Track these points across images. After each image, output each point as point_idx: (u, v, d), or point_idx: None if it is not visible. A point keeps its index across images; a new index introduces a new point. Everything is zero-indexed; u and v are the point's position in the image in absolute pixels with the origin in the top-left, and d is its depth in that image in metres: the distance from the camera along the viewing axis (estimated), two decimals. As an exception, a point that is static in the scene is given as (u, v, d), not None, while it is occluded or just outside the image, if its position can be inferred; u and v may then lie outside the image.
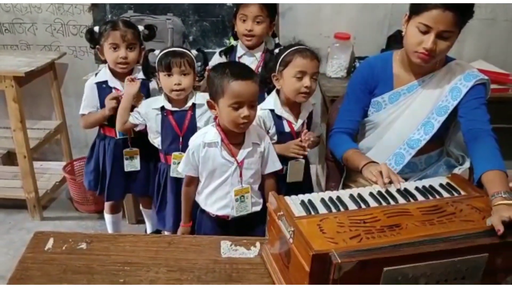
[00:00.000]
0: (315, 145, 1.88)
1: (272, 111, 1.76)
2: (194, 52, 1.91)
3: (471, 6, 1.45)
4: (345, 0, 2.72)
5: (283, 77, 1.72)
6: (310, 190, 1.87)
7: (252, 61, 2.12)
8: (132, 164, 2.09)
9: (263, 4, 2.03)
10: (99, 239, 1.37)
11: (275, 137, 1.77)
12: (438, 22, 1.42)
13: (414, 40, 1.49)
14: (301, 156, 1.76)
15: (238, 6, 2.08)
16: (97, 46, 1.99)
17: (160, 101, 1.87)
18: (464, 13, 1.43)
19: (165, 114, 1.86)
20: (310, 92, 1.71)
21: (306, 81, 1.68)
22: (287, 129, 1.78)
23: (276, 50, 1.80)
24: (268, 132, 1.75)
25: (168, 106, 1.85)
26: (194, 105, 1.86)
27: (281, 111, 1.76)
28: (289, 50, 1.71)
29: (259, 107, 1.73)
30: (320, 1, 2.72)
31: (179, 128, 1.85)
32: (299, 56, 1.67)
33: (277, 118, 1.76)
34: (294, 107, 1.78)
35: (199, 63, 1.96)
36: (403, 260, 1.03)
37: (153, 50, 1.92)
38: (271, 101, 1.79)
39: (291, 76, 1.68)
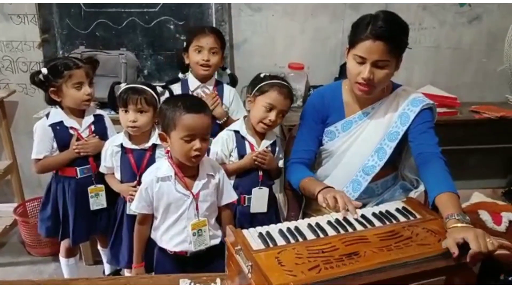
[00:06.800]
0: (275, 174, 1.90)
1: (237, 132, 1.81)
2: (159, 88, 1.86)
3: (399, 35, 1.49)
4: (297, 32, 2.79)
5: (255, 102, 1.77)
6: (277, 220, 1.90)
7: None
8: (98, 202, 1.99)
9: (217, 36, 2.08)
10: (48, 285, 1.29)
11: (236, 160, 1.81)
12: (371, 53, 1.48)
13: (353, 71, 1.54)
14: (264, 164, 1.79)
15: (190, 38, 2.08)
16: (52, 89, 1.86)
17: (119, 138, 1.84)
18: (394, 43, 1.48)
19: (124, 152, 1.82)
20: (271, 126, 1.77)
21: (272, 115, 1.74)
22: (249, 151, 1.80)
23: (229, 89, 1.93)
24: (230, 155, 1.80)
25: (128, 143, 1.82)
26: (154, 145, 1.83)
27: (245, 132, 1.81)
28: (271, 81, 1.76)
29: (224, 129, 1.82)
30: (274, 33, 2.78)
31: (137, 167, 1.82)
32: (276, 90, 1.73)
33: (241, 140, 1.81)
34: (258, 133, 1.83)
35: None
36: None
37: (119, 82, 1.87)
38: (238, 124, 1.85)
39: (262, 105, 1.74)
